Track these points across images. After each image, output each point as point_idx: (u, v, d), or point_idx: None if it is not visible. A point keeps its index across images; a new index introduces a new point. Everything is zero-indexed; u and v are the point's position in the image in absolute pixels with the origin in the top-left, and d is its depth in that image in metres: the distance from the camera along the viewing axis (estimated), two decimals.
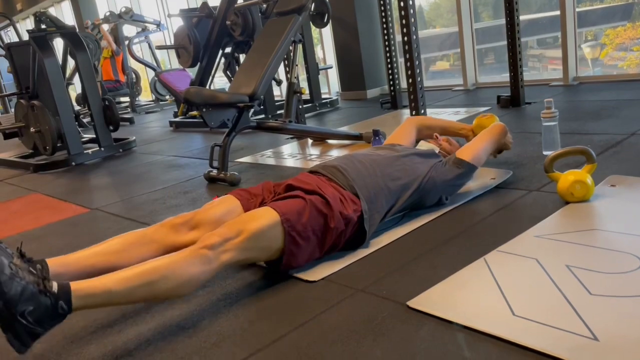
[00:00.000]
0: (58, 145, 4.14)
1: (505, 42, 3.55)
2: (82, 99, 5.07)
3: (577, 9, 4.06)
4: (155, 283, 1.27)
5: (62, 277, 1.29)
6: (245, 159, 3.28)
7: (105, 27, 7.41)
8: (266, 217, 1.46)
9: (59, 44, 5.75)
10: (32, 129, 4.21)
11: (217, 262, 1.35)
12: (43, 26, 4.53)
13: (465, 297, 1.27)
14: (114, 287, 1.23)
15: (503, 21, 3.54)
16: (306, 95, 4.90)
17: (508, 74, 3.59)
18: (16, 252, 1.21)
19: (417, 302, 1.26)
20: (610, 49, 4.51)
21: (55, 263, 1.33)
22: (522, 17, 3.49)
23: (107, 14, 7.51)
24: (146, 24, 7.46)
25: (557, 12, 4.06)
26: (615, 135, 2.46)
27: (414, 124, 2.20)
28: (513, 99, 3.59)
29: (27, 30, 4.15)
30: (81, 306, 1.20)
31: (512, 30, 3.47)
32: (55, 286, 1.17)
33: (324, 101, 5.03)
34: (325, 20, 3.69)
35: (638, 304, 1.13)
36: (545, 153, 2.27)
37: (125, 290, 1.24)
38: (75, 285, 1.20)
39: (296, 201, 1.52)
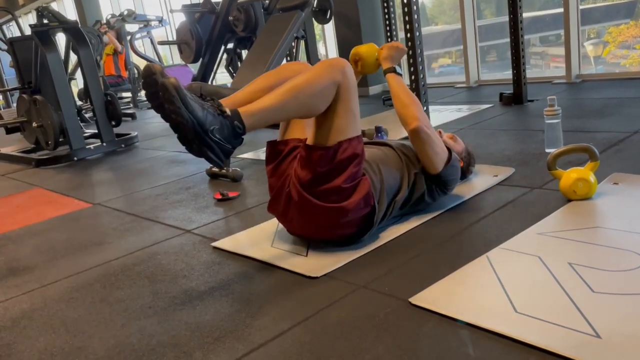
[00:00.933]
0: (60, 140, 4.14)
1: (507, 40, 3.55)
2: (84, 94, 5.07)
3: (581, 7, 4.05)
4: (299, 96, 1.47)
5: None
6: (247, 155, 3.28)
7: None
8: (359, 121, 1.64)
9: (61, 39, 5.75)
10: (34, 124, 4.22)
11: (342, 69, 1.52)
12: (45, 21, 4.52)
13: (467, 294, 1.27)
14: (269, 105, 1.45)
15: (506, 18, 3.53)
16: None
17: (510, 72, 3.59)
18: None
19: (419, 299, 1.26)
20: (613, 47, 4.50)
21: (226, 104, 1.48)
22: (525, 15, 3.49)
23: (109, 17, 7.49)
24: (146, 15, 7.45)
25: (561, 10, 4.04)
26: (618, 133, 2.45)
27: None
28: (516, 97, 3.59)
29: (30, 25, 4.15)
30: (251, 124, 1.41)
31: (515, 27, 3.46)
32: (228, 111, 1.39)
33: None
34: (327, 16, 3.69)
35: None
36: (547, 150, 2.27)
37: (278, 105, 1.45)
38: (241, 109, 1.42)
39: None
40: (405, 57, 3.11)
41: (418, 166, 1.79)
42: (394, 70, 1.89)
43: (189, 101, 1.31)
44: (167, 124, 1.37)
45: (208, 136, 1.33)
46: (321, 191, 1.55)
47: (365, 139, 1.85)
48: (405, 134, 2.22)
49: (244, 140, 1.43)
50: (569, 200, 1.74)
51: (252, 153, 3.33)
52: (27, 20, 11.20)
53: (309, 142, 1.58)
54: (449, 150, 1.84)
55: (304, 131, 1.68)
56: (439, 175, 1.78)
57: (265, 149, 1.74)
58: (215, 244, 1.86)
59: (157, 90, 1.33)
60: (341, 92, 1.53)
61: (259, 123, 1.45)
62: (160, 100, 1.33)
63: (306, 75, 1.51)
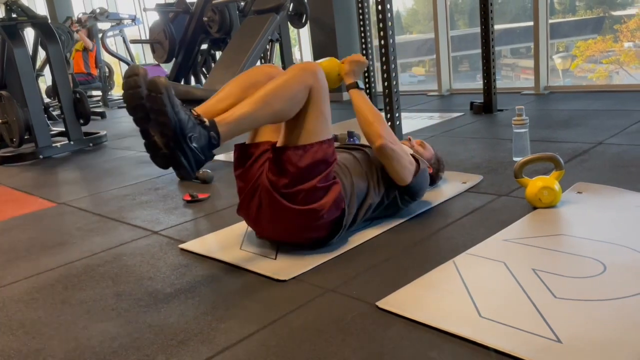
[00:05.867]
0: (25, 137, 4.03)
1: (479, 50, 3.61)
2: (53, 91, 4.95)
3: (550, 21, 4.15)
4: (271, 102, 1.47)
5: None
6: (219, 157, 3.25)
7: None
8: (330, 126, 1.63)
9: (29, 34, 5.61)
10: None
11: (315, 73, 1.53)
12: (14, 15, 4.41)
13: (433, 298, 1.28)
14: (242, 113, 1.44)
15: (478, 29, 3.60)
16: None
17: (482, 81, 3.65)
18: None
19: (386, 303, 1.27)
20: (580, 61, 4.63)
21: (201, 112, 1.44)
22: (496, 27, 3.56)
23: (81, 15, 7.34)
24: (119, 13, 7.36)
25: (531, 23, 4.14)
26: (583, 144, 2.52)
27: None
28: (486, 106, 3.65)
29: None
30: (226, 134, 1.40)
31: (486, 38, 3.53)
32: (207, 120, 1.38)
33: None
34: (303, 20, 3.69)
35: (600, 307, 1.16)
36: (515, 159, 2.31)
37: (251, 113, 1.44)
38: (218, 118, 1.42)
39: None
40: (379, 64, 3.13)
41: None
42: (356, 86, 1.87)
43: (176, 102, 1.29)
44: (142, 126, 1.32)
45: (186, 142, 1.31)
46: (294, 193, 1.53)
47: (337, 144, 1.85)
48: None
49: (214, 156, 1.41)
50: (535, 208, 1.77)
51: (223, 155, 3.30)
52: None
53: (280, 144, 1.57)
54: (417, 160, 1.84)
55: (274, 134, 1.66)
56: (408, 186, 1.78)
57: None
58: (183, 245, 1.83)
59: (139, 89, 1.28)
60: (313, 95, 1.53)
61: (233, 132, 1.43)
62: (144, 99, 1.28)
63: (278, 81, 1.50)
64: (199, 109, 1.46)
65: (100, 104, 7.39)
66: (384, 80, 2.92)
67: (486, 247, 1.53)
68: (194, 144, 1.32)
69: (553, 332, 1.07)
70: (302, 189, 1.54)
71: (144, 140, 1.33)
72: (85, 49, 7.19)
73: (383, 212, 1.81)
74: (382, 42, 2.85)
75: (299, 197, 1.54)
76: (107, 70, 7.45)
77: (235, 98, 1.51)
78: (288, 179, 1.54)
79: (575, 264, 1.37)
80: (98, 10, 7.13)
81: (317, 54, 5.50)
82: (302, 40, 6.02)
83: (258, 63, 3.44)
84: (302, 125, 1.54)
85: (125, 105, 1.33)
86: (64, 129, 4.23)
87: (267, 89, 1.48)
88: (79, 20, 7.17)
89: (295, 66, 1.55)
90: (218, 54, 4.82)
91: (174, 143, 1.30)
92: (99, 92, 7.67)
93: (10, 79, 4.10)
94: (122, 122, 5.79)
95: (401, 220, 1.80)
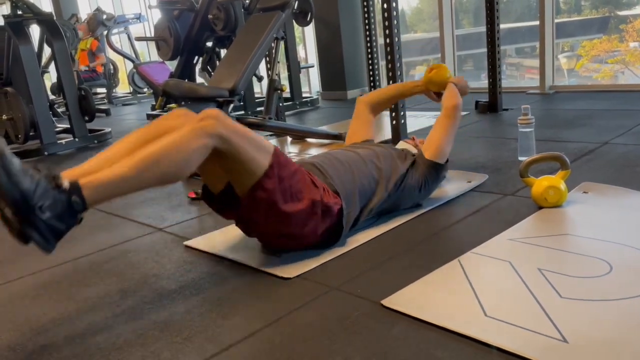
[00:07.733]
0: (31, 134, 4.04)
1: (484, 49, 3.60)
2: (58, 88, 4.97)
3: (556, 20, 4.14)
4: (161, 162, 1.28)
5: None
6: None
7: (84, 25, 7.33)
8: (264, 140, 1.48)
9: (35, 31, 5.63)
10: (4, 117, 4.11)
11: (213, 133, 1.33)
12: (19, 12, 4.42)
13: (438, 297, 1.28)
14: (122, 174, 1.24)
15: (483, 28, 3.58)
16: (287, 93, 4.89)
17: (487, 80, 3.64)
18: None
19: (391, 301, 1.26)
20: (585, 60, 4.61)
21: (68, 175, 1.27)
22: (502, 26, 3.55)
23: (86, 22, 7.36)
24: (125, 14, 7.40)
25: (536, 22, 4.13)
26: (589, 143, 2.51)
27: (365, 104, 2.21)
28: (491, 105, 3.64)
29: (3, 16, 4.05)
30: (95, 198, 1.21)
31: (492, 37, 3.52)
32: (66, 183, 1.18)
33: (304, 100, 5.02)
34: (308, 18, 3.69)
35: (606, 307, 1.15)
36: (520, 158, 2.30)
37: (134, 175, 1.25)
38: (85, 179, 1.21)
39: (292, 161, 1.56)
40: (383, 63, 3.13)
41: (403, 172, 1.80)
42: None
43: (13, 169, 1.09)
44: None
45: (34, 214, 1.11)
46: (282, 240, 1.58)
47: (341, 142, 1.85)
48: (382, 138, 2.22)
49: (83, 220, 1.22)
50: (540, 208, 1.77)
51: None
52: (1, 11, 10.94)
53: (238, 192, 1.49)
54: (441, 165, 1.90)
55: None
56: (430, 162, 1.85)
57: None
58: (187, 242, 1.83)
59: None
60: (225, 151, 1.38)
61: (104, 196, 1.24)
62: None
63: (171, 139, 1.32)
64: (73, 171, 1.29)
65: (105, 101, 7.41)
66: (388, 79, 2.91)
67: (491, 246, 1.52)
68: (47, 214, 1.12)
69: (559, 332, 1.07)
70: (285, 235, 1.55)
71: None
72: (92, 51, 7.23)
73: (393, 206, 1.82)
74: (387, 40, 2.85)
75: (289, 238, 1.56)
76: (112, 67, 7.47)
77: (125, 156, 1.34)
78: (265, 232, 1.58)
79: (581, 264, 1.36)
80: (105, 17, 7.17)
81: (322, 52, 5.50)
82: (306, 38, 6.01)
83: (263, 62, 3.42)
84: (239, 175, 1.44)
85: None
86: (69, 126, 4.24)
87: (156, 148, 1.29)
88: (90, 30, 7.20)
89: (194, 124, 1.35)
90: (223, 52, 4.82)
91: (20, 216, 1.11)
92: (103, 90, 7.68)
93: (15, 76, 4.11)
94: (126, 119, 5.81)
95: (406, 219, 1.79)
